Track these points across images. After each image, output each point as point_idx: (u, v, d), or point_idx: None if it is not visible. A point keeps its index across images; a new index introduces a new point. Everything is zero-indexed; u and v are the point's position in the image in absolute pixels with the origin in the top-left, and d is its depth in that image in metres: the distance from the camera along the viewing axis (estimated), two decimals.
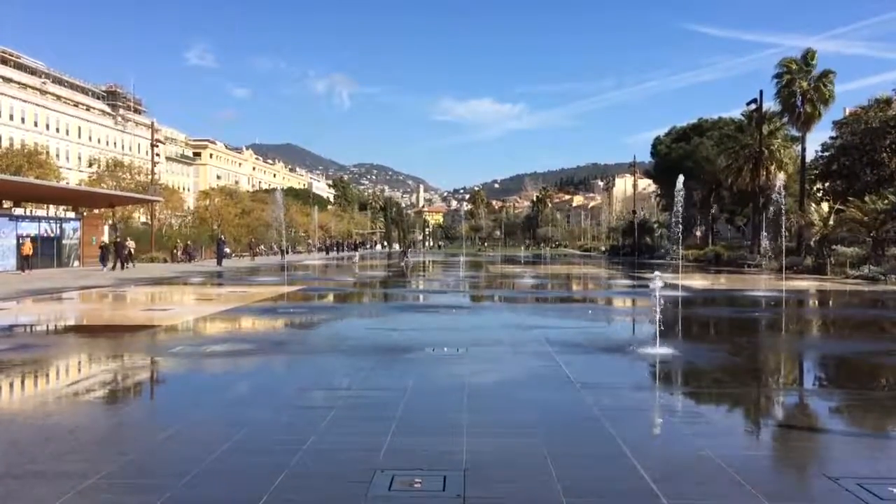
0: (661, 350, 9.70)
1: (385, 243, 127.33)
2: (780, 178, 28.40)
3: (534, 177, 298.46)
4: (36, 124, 76.67)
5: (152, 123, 68.19)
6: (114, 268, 34.14)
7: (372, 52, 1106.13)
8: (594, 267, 44.26)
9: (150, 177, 58.59)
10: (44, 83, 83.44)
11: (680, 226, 32.77)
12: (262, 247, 67.68)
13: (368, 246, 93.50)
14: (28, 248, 31.54)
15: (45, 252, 35.28)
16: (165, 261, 47.58)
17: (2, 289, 21.63)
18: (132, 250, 38.15)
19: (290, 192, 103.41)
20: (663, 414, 6.82)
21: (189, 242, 51.51)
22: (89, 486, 4.47)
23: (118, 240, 36.67)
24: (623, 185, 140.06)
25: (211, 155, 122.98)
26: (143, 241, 49.73)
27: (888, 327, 14.77)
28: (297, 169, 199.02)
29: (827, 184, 44.67)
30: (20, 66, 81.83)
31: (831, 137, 45.20)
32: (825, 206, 42.18)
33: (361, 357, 9.96)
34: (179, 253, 49.21)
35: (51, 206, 44.11)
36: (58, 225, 37.19)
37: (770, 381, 8.87)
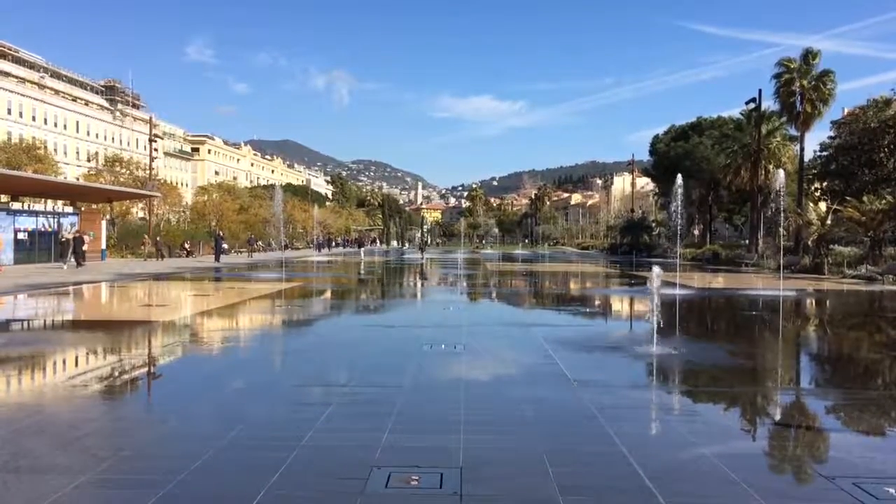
0: (659, 348, 9.71)
1: (381, 240, 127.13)
2: (780, 177, 28.37)
3: (532, 174, 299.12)
4: (34, 119, 76.53)
5: (150, 118, 68.04)
6: (77, 265, 31.71)
7: (372, 49, 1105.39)
8: (592, 265, 44.28)
9: (148, 172, 58.47)
10: (42, 77, 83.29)
11: (678, 224, 32.91)
12: (261, 243, 67.66)
13: (367, 243, 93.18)
14: None
15: (43, 247, 35.23)
16: (163, 257, 47.47)
17: None
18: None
19: (289, 189, 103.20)
20: (660, 412, 6.83)
21: (158, 238, 46.54)
22: (85, 481, 4.47)
23: (77, 235, 33.63)
24: (622, 184, 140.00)
25: (209, 150, 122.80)
26: (140, 236, 49.59)
27: (884, 327, 14.80)
28: (296, 165, 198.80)
29: (825, 183, 44.75)
30: (18, 61, 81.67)
31: (830, 137, 45.31)
32: (823, 206, 42.25)
33: (358, 353, 9.99)
34: (146, 249, 43.53)
35: (48, 201, 44.05)
36: (55, 220, 37.11)
37: (766, 380, 8.88)
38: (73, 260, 31.55)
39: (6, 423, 5.98)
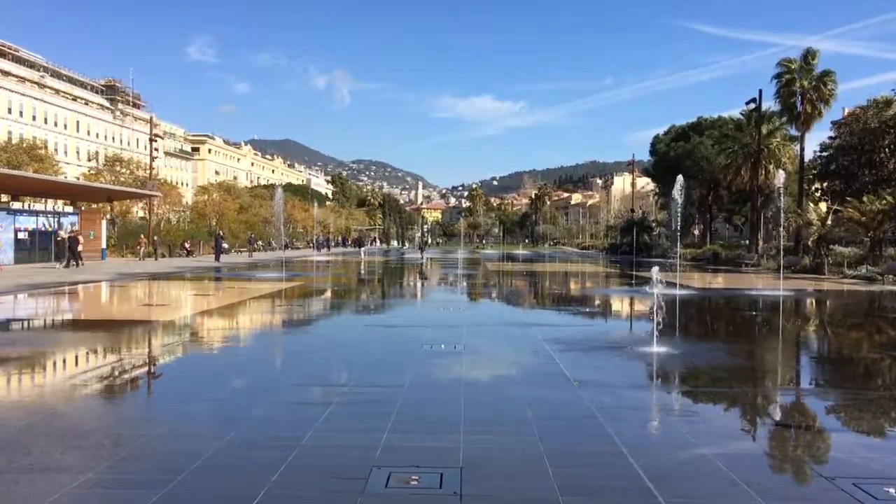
0: (659, 348, 9.71)
1: (381, 240, 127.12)
2: (780, 177, 28.37)
3: (532, 174, 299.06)
4: (34, 118, 76.47)
5: (151, 118, 68.05)
6: (67, 265, 31.08)
7: (373, 48, 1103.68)
8: (592, 265, 44.29)
9: (148, 171, 58.48)
10: (42, 77, 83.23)
11: (678, 224, 32.91)
12: (261, 242, 67.72)
13: (367, 242, 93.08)
14: None
15: (43, 246, 35.22)
16: (164, 255, 47.46)
17: None
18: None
19: (289, 188, 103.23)
20: (660, 413, 6.83)
21: (156, 238, 45.86)
22: (86, 481, 4.47)
23: (72, 235, 33.00)
24: (622, 184, 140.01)
25: (209, 150, 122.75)
26: (140, 236, 49.56)
27: (884, 327, 14.80)
28: (296, 165, 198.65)
29: (825, 184, 44.72)
30: (18, 60, 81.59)
31: (830, 137, 45.27)
32: (823, 206, 42.27)
33: (358, 353, 10.00)
34: (143, 249, 42.67)
35: (49, 201, 44.04)
36: (56, 219, 37.11)
37: (766, 380, 8.88)
38: (70, 260, 31.36)
39: (7, 423, 5.98)
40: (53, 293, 19.43)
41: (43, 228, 35.54)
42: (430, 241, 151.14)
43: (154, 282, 24.44)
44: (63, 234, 34.29)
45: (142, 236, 44.92)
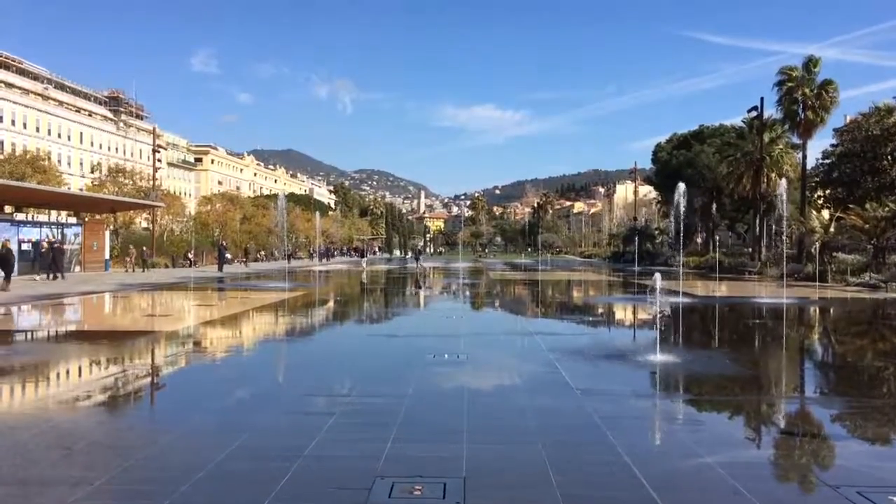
0: (661, 357, 9.70)
1: (384, 249, 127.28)
2: (782, 185, 28.37)
3: (535, 183, 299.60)
4: (38, 130, 76.84)
5: (154, 129, 68.43)
6: (55, 277, 30.10)
7: (375, 58, 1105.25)
8: (595, 274, 44.26)
9: (151, 182, 58.72)
10: (46, 88, 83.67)
11: (681, 233, 32.89)
12: (263, 252, 67.80)
13: (368, 252, 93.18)
14: None
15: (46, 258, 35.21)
16: (166, 265, 47.56)
17: None
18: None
19: (292, 198, 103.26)
20: (663, 421, 6.81)
21: (145, 249, 44.60)
22: (91, 491, 4.48)
23: (57, 245, 32.19)
24: (624, 192, 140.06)
25: (212, 160, 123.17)
26: (140, 246, 49.52)
27: (888, 335, 14.76)
28: (299, 175, 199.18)
29: (828, 191, 44.69)
30: (22, 72, 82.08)
31: (832, 145, 45.25)
32: (826, 214, 42.21)
33: (361, 363, 10.00)
34: (131, 259, 41.63)
35: (52, 212, 44.19)
36: (59, 230, 37.21)
37: (770, 389, 8.86)
38: (55, 271, 30.85)
39: (13, 433, 5.99)
40: (58, 304, 19.46)
41: (46, 240, 35.58)
42: (431, 250, 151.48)
43: (157, 293, 24.47)
44: (46, 244, 33.71)
45: (130, 247, 44.50)
